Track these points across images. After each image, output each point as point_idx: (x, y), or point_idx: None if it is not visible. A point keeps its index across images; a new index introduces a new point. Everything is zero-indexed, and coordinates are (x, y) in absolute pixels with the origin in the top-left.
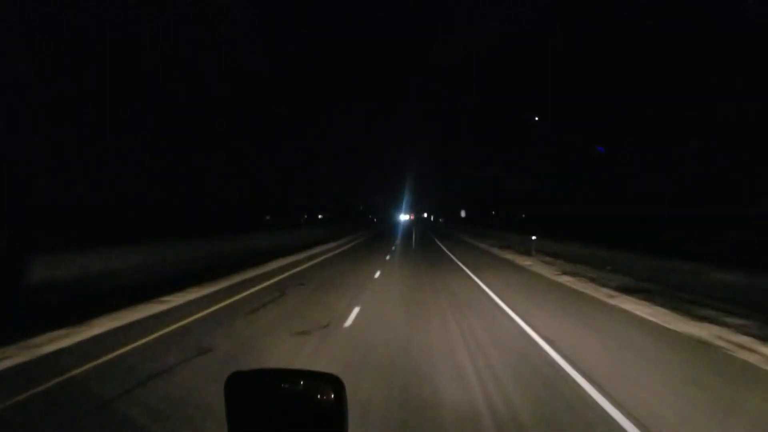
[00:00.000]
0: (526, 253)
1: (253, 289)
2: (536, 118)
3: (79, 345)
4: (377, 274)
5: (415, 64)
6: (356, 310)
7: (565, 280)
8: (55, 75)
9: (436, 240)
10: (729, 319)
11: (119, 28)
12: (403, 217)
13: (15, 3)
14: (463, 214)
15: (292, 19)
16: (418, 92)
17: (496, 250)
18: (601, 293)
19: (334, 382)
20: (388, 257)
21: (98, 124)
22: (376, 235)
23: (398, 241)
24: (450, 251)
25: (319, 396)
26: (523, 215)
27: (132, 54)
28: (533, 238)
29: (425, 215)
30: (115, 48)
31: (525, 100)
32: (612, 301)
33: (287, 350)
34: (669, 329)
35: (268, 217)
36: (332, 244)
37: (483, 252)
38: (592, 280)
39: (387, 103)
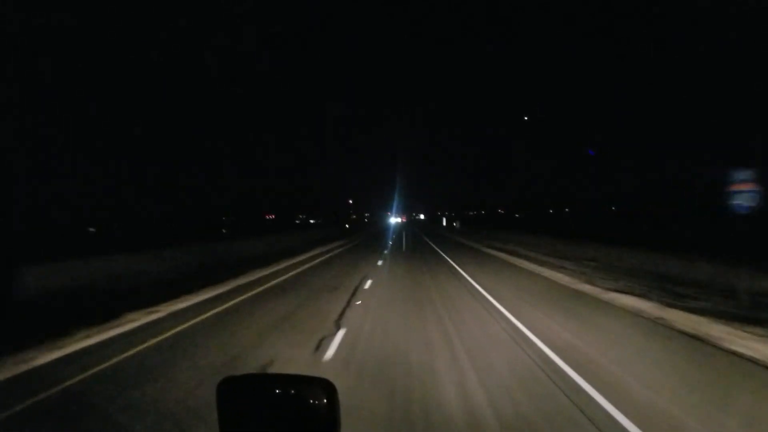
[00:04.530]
0: None
1: None
2: (525, 118)
3: None
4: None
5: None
6: None
7: None
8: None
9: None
10: None
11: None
12: (393, 220)
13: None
14: None
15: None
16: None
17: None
18: None
19: (327, 387)
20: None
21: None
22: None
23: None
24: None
25: (311, 400)
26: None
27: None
28: None
29: (422, 216)
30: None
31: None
32: None
33: None
34: None
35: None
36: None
37: None
38: None
39: (380, 102)
